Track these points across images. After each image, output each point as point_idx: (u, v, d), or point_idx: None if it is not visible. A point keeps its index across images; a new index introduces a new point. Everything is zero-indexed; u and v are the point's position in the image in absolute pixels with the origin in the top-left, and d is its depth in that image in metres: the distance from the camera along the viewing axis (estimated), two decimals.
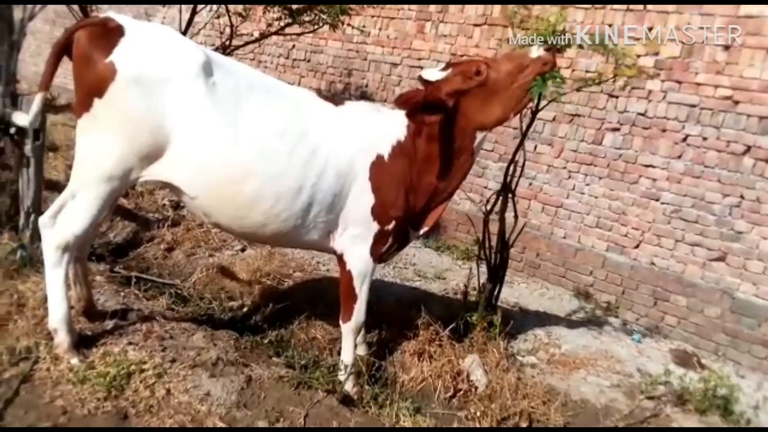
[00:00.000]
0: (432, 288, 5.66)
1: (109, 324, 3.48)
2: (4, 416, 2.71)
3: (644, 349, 5.29)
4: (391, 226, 3.40)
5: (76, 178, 3.04)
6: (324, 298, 4.62)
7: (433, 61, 7.39)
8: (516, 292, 6.13)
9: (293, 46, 8.69)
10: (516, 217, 4.47)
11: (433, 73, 3.26)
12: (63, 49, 2.94)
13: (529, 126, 4.36)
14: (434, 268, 6.37)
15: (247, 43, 6.80)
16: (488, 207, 4.43)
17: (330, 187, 3.25)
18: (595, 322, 5.65)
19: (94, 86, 2.87)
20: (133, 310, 3.73)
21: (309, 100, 3.39)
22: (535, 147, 6.69)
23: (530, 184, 6.74)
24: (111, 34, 2.88)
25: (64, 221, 3.02)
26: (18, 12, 4.46)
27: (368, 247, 3.43)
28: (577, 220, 6.49)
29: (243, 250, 5.43)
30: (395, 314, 4.33)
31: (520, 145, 4.31)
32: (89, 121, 2.94)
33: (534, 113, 4.16)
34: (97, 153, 2.95)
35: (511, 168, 4.36)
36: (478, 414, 3.54)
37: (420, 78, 3.29)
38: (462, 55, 7.11)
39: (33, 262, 4.02)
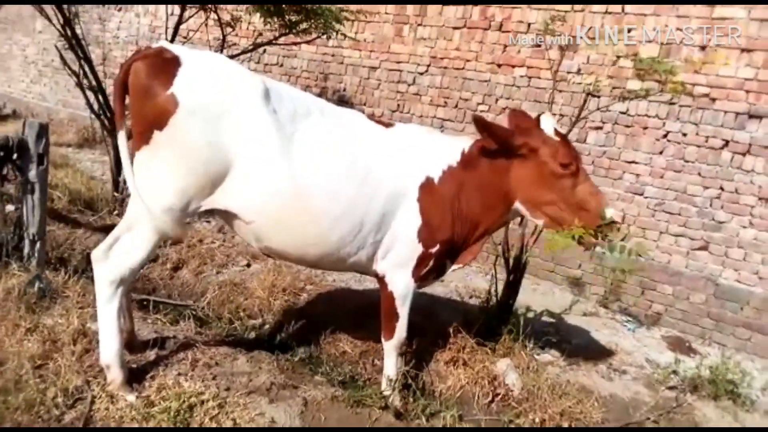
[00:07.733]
0: (437, 292, 5.73)
1: (152, 354, 3.40)
2: None
3: (640, 338, 5.56)
4: (435, 249, 3.39)
5: (134, 211, 2.97)
6: (345, 310, 4.63)
7: (413, 65, 7.44)
8: None
9: (264, 50, 8.53)
10: None
11: (549, 123, 3.32)
12: (125, 83, 2.88)
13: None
14: None
15: (239, 54, 6.64)
16: None
17: (380, 207, 3.26)
18: (591, 315, 5.88)
19: (154, 118, 2.82)
20: (169, 338, 3.65)
21: (361, 122, 3.40)
22: None
23: None
24: (169, 64, 2.84)
25: (120, 255, 2.95)
26: None
27: (410, 270, 3.42)
28: None
29: (248, 265, 5.36)
30: (426, 325, 4.37)
31: None
32: (149, 154, 2.89)
33: (575, 121, 4.34)
34: (157, 185, 2.90)
35: None
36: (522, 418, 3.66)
37: (537, 117, 3.40)
38: (442, 58, 7.19)
39: (50, 292, 3.88)
